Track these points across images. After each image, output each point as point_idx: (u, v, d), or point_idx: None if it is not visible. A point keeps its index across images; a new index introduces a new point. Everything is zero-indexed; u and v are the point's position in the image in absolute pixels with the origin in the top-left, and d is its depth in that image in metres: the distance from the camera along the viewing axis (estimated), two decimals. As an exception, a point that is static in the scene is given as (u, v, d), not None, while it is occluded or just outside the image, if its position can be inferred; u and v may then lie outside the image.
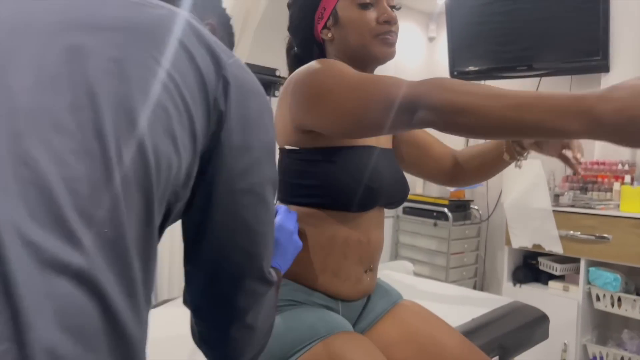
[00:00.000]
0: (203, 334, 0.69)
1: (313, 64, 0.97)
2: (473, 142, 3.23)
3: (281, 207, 0.99)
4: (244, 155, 0.60)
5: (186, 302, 0.67)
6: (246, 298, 0.65)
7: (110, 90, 0.48)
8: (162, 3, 0.60)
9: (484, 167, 1.22)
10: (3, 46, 0.47)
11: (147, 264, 0.49)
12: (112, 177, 0.45)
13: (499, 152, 1.16)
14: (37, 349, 0.38)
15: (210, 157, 0.57)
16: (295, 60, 1.13)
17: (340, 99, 0.89)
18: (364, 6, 1.03)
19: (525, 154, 1.14)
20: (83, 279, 0.42)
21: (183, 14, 0.59)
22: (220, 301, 0.65)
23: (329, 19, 1.05)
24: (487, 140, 1.20)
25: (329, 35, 1.06)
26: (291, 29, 1.12)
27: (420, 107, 0.78)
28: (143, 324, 0.48)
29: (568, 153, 1.11)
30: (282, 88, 1.04)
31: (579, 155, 1.09)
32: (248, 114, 0.59)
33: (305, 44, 1.11)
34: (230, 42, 0.88)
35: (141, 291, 0.48)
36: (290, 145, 1.04)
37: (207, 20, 0.79)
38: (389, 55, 1.05)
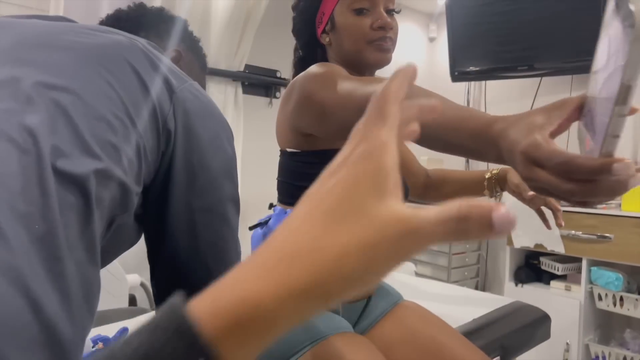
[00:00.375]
0: None
1: (311, 68, 0.97)
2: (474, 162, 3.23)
3: (276, 209, 1.00)
4: (200, 175, 0.61)
5: None
6: None
7: (48, 99, 0.49)
8: (120, 31, 0.63)
9: (459, 194, 1.28)
10: None
11: (87, 269, 0.49)
12: (45, 176, 0.45)
13: (479, 187, 1.23)
14: None
15: (165, 177, 0.59)
16: (300, 62, 1.14)
17: (323, 101, 0.90)
18: (359, 12, 1.03)
19: (502, 194, 1.23)
20: (6, 272, 0.41)
21: (139, 40, 0.62)
22: None
23: (327, 23, 1.06)
24: (481, 162, 1.26)
25: (327, 39, 1.07)
26: (294, 31, 1.14)
27: None
28: (77, 325, 0.46)
29: (548, 207, 1.17)
30: (283, 92, 1.05)
31: (562, 223, 1.13)
32: (200, 135, 0.61)
33: (307, 47, 1.12)
34: (201, 63, 0.89)
35: (76, 292, 0.47)
36: (290, 147, 1.04)
37: (173, 48, 0.82)
38: (384, 62, 1.05)
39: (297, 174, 1.03)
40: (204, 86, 0.90)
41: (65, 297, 0.45)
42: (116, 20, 0.82)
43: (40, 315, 0.42)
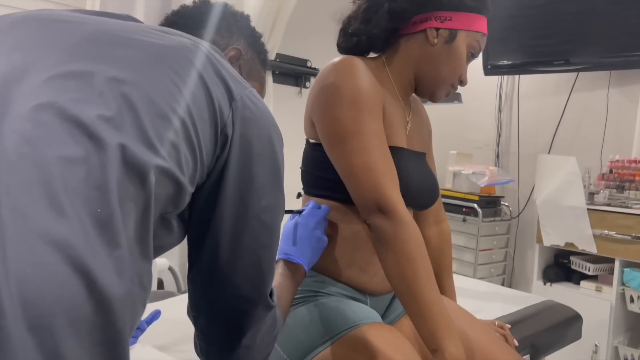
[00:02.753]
0: (202, 348, 0.71)
1: (334, 72, 0.96)
2: (504, 158, 3.18)
3: (310, 203, 0.99)
4: (250, 182, 0.62)
5: (189, 315, 0.70)
6: (244, 320, 0.67)
7: (118, 93, 0.52)
8: (185, 34, 0.65)
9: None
10: (33, 55, 0.53)
11: (140, 260, 0.50)
12: (109, 163, 0.47)
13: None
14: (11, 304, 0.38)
15: (217, 181, 0.61)
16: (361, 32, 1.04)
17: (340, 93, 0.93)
18: (469, 57, 1.04)
19: None
20: (63, 248, 0.42)
21: (203, 44, 0.64)
22: (218, 320, 0.67)
23: (446, 30, 1.01)
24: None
25: (435, 40, 1.01)
26: None
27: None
28: (131, 312, 0.48)
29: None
30: (312, 83, 1.04)
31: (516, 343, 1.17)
32: (255, 143, 0.62)
33: (397, 15, 1.01)
34: (262, 60, 0.90)
35: (133, 279, 0.48)
36: (312, 138, 1.03)
37: (233, 46, 0.83)
38: (434, 102, 1.09)
39: (321, 164, 1.01)
40: (263, 82, 0.91)
41: (123, 282, 0.46)
42: (180, 16, 0.84)
43: (97, 296, 0.43)
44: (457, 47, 1.02)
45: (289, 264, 0.92)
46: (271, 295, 0.70)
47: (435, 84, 1.05)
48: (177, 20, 0.82)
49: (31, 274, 0.40)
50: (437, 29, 1.01)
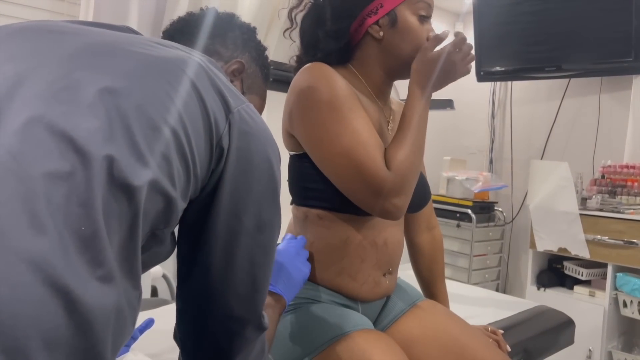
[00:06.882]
0: None
1: (307, 78, 0.95)
2: (497, 162, 3.20)
3: (287, 236, 0.98)
4: (245, 198, 0.60)
5: (176, 338, 0.67)
6: (235, 341, 0.64)
7: (110, 104, 0.50)
8: (181, 46, 0.64)
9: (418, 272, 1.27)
10: (26, 66, 0.52)
11: (126, 280, 0.49)
12: (94, 179, 0.46)
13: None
14: None
15: (210, 195, 0.59)
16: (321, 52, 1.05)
17: (319, 128, 0.93)
18: (423, 19, 1.01)
19: None
20: (41, 266, 0.41)
21: (199, 56, 0.62)
22: (207, 342, 0.65)
23: (383, 17, 1.00)
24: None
25: (380, 34, 1.00)
26: (326, 16, 1.02)
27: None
28: (117, 333, 0.46)
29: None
30: (287, 95, 1.01)
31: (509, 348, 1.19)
32: (251, 158, 0.61)
33: (336, 36, 1.02)
34: (264, 74, 0.88)
35: (121, 300, 0.47)
36: (292, 150, 1.03)
37: (237, 59, 0.81)
38: None
39: (304, 175, 1.01)
40: (264, 97, 0.90)
41: (107, 302, 0.45)
42: (185, 24, 0.82)
43: (77, 318, 0.42)
44: (405, 23, 1.00)
45: (271, 294, 0.88)
46: (263, 317, 0.67)
47: (407, 62, 1.01)
48: (183, 28, 0.81)
49: (6, 293, 0.38)
50: (376, 23, 1.00)
